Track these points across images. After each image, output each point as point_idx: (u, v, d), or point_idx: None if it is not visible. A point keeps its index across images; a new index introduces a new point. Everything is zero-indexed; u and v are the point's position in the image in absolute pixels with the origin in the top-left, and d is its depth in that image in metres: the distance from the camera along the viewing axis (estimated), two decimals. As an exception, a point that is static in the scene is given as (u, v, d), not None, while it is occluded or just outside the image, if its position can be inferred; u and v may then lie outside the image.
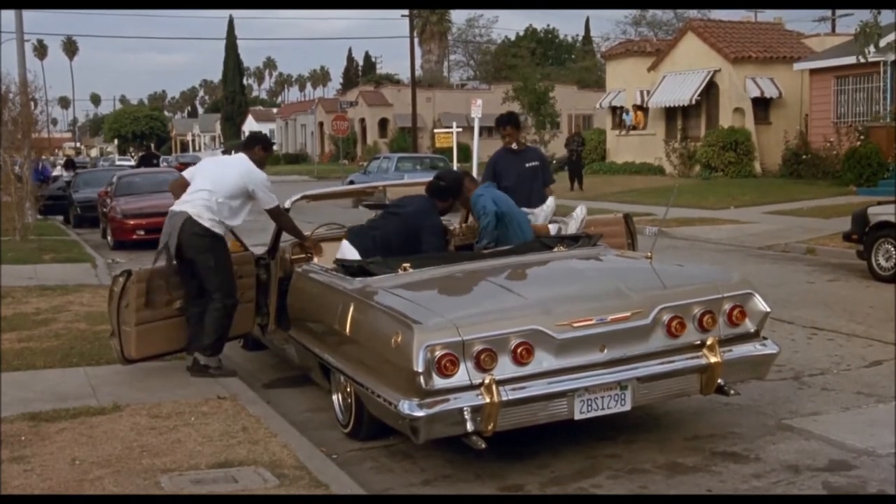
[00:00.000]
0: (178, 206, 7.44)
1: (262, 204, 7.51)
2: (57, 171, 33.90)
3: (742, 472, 5.33)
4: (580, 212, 7.95)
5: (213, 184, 7.45)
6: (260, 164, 7.70)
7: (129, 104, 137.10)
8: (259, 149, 7.77)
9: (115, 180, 20.44)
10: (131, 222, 17.93)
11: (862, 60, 16.82)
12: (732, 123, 30.17)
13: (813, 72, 27.65)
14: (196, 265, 7.36)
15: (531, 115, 35.80)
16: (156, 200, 18.83)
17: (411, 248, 6.83)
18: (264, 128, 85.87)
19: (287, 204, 7.71)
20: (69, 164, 37.90)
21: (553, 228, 7.69)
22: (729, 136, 29.53)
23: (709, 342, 5.52)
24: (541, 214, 7.84)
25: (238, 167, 7.59)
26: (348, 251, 6.89)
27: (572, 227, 7.71)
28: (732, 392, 5.74)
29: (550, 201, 8.11)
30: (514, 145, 8.60)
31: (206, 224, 7.30)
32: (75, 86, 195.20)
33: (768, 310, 5.81)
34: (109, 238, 18.70)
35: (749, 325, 5.74)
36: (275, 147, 77.77)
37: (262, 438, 5.79)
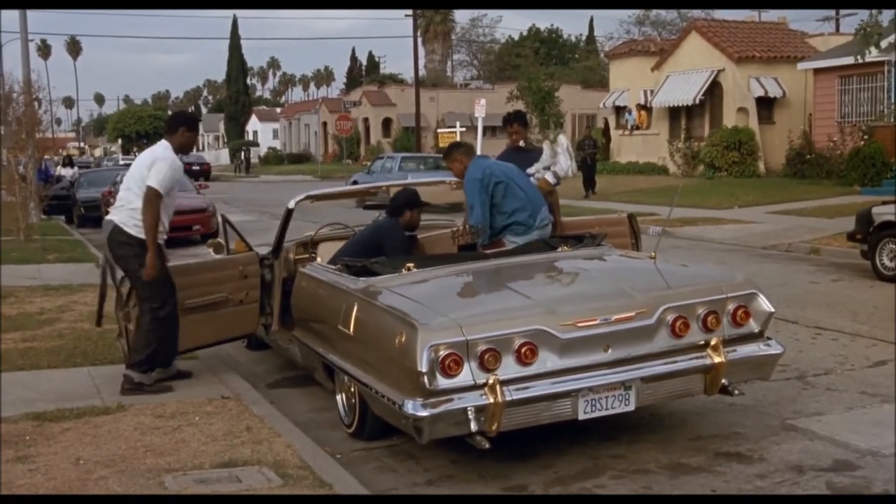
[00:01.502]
0: (111, 213, 7.17)
1: (147, 179, 6.89)
2: (59, 171, 33.90)
3: (746, 472, 5.33)
4: (563, 140, 7.88)
5: (130, 182, 7.10)
6: (187, 147, 7.26)
7: (133, 104, 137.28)
8: (184, 130, 7.21)
9: (119, 180, 20.42)
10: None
11: (860, 60, 16.80)
12: (736, 123, 30.14)
13: (817, 71, 27.62)
14: (127, 274, 7.13)
15: (536, 114, 35.75)
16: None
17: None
18: (268, 127, 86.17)
19: (291, 204, 7.70)
20: (67, 162, 37.90)
21: (550, 177, 7.69)
22: (733, 136, 29.49)
23: (713, 342, 5.51)
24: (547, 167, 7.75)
25: (143, 157, 7.15)
26: None
27: (563, 163, 7.67)
28: (736, 392, 5.74)
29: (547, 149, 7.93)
30: (521, 143, 8.50)
31: (132, 231, 6.94)
32: (79, 86, 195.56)
33: (772, 310, 5.81)
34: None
35: (753, 326, 5.73)
36: (279, 148, 78.15)
37: (266, 438, 5.79)
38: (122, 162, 46.53)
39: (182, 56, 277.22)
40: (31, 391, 7.01)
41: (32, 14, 39.99)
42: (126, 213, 7.00)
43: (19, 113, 20.11)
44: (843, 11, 46.00)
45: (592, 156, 28.51)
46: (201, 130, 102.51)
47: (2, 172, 19.64)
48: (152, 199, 6.84)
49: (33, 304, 10.67)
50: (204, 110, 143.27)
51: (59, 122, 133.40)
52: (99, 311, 7.42)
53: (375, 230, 7.39)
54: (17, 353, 8.15)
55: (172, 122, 7.35)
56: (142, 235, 6.90)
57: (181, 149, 7.19)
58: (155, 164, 6.94)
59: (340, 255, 7.13)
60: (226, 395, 6.79)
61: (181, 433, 5.93)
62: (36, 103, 21.11)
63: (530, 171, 7.72)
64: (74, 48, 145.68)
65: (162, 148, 7.15)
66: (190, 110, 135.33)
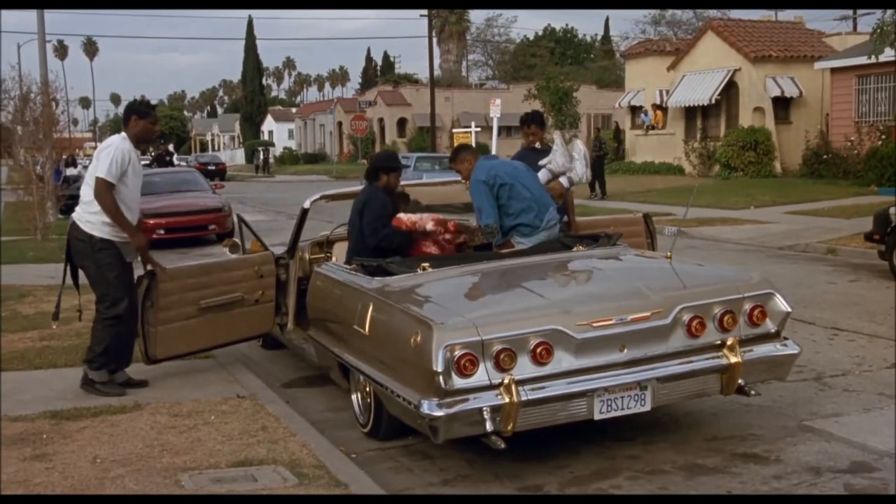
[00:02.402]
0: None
1: (96, 171, 6.83)
2: (65, 171, 33.98)
3: (762, 473, 5.30)
4: (579, 146, 7.86)
5: (87, 176, 6.99)
6: (144, 136, 7.13)
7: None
8: (135, 119, 7.04)
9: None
10: (151, 222, 17.94)
11: (876, 60, 16.70)
12: (752, 123, 30.03)
13: (834, 71, 27.47)
14: (84, 271, 7.09)
15: (553, 114, 35.71)
16: (176, 200, 18.99)
17: (356, 225, 7.16)
18: (283, 127, 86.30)
19: (306, 204, 7.72)
20: (70, 162, 37.95)
21: (564, 181, 7.68)
22: (749, 136, 29.39)
23: (729, 342, 5.49)
24: (558, 160, 7.69)
25: (97, 151, 7.03)
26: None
27: (579, 169, 7.67)
28: (753, 392, 5.70)
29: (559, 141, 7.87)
30: (536, 144, 8.48)
31: (84, 227, 6.88)
32: (95, 86, 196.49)
33: (789, 310, 5.78)
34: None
35: (770, 325, 5.71)
36: (294, 148, 78.29)
37: (282, 437, 5.80)
38: (138, 162, 46.70)
39: (198, 56, 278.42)
40: (49, 389, 7.05)
41: (49, 15, 40.21)
42: (81, 209, 6.95)
43: (37, 113, 20.23)
44: (860, 11, 45.77)
45: (599, 156, 27.90)
46: (216, 130, 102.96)
47: (17, 172, 19.74)
48: (102, 189, 6.74)
49: (50, 302, 10.65)
50: (220, 110, 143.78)
51: (75, 122, 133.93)
52: (56, 307, 7.32)
53: (361, 195, 7.40)
54: (35, 351, 8.19)
55: (124, 113, 7.26)
56: (94, 232, 6.85)
57: (138, 138, 7.08)
58: (101, 153, 6.88)
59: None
60: (241, 395, 6.81)
61: (197, 432, 5.95)
62: (53, 103, 21.20)
63: (542, 161, 7.71)
64: (91, 49, 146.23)
65: (115, 138, 7.10)
66: (206, 110, 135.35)
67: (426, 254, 7.09)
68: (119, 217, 6.80)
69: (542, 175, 7.60)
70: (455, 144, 36.48)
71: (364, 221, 7.10)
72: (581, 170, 7.70)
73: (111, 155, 6.80)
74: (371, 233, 7.04)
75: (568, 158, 7.67)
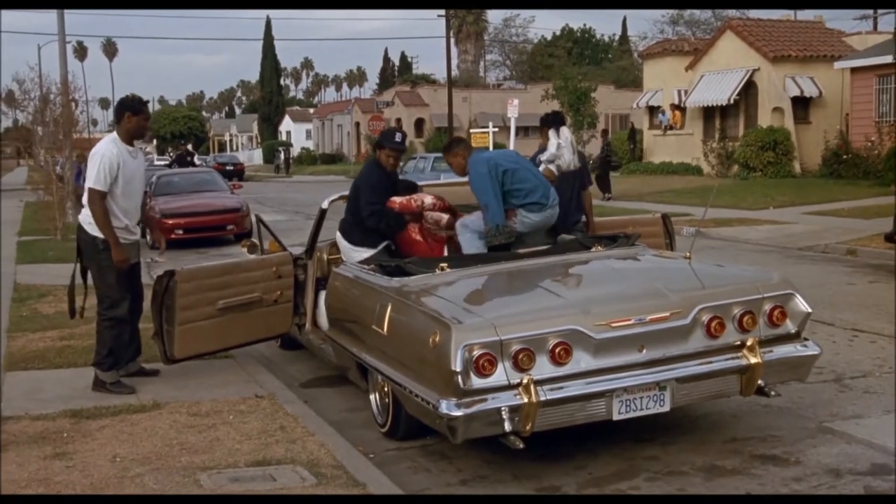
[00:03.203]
0: None
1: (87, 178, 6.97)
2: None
3: (782, 475, 5.27)
4: (566, 133, 7.92)
5: (87, 180, 7.11)
6: (137, 132, 7.19)
7: (168, 105, 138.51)
8: (128, 116, 7.11)
9: (155, 180, 20.61)
10: (170, 222, 18.08)
11: (895, 59, 16.59)
12: (771, 123, 29.88)
13: (854, 70, 27.31)
14: (90, 270, 7.21)
15: (571, 114, 35.64)
16: (194, 200, 19.06)
17: (353, 200, 7.30)
18: (301, 128, 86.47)
19: (325, 204, 7.73)
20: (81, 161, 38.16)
21: (553, 168, 7.74)
22: (768, 136, 29.25)
23: (749, 343, 5.46)
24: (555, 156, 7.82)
25: (88, 158, 7.18)
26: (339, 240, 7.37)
27: (567, 156, 7.75)
28: (773, 393, 5.67)
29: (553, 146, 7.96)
30: None
31: (87, 229, 7.02)
32: (115, 87, 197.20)
33: (810, 310, 5.74)
34: (148, 237, 18.82)
35: (790, 326, 5.67)
36: (312, 148, 78.44)
37: (300, 437, 5.81)
38: (157, 162, 46.90)
39: (216, 57, 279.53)
40: (69, 388, 7.10)
41: (69, 16, 40.42)
42: (84, 211, 7.08)
43: (57, 114, 20.35)
44: (880, 10, 45.49)
45: (602, 157, 27.59)
46: (235, 131, 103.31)
47: (37, 172, 19.88)
48: (94, 199, 6.91)
49: (70, 302, 10.77)
50: (238, 111, 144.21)
51: (95, 122, 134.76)
52: (70, 305, 7.41)
53: (359, 175, 7.56)
54: (55, 351, 8.24)
55: (117, 110, 7.26)
56: (95, 233, 6.97)
57: (131, 135, 7.15)
58: (90, 162, 7.01)
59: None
60: (260, 395, 6.82)
61: (216, 431, 5.97)
62: (73, 104, 21.34)
63: (541, 157, 7.75)
64: (110, 49, 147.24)
65: (102, 143, 7.16)
66: (224, 110, 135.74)
67: (413, 241, 7.11)
68: (106, 229, 6.92)
69: (553, 169, 7.66)
70: (473, 144, 36.52)
71: (361, 200, 7.16)
72: (568, 156, 7.76)
73: (97, 164, 6.91)
74: (368, 213, 7.08)
75: (555, 146, 7.73)
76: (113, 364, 7.11)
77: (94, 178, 6.91)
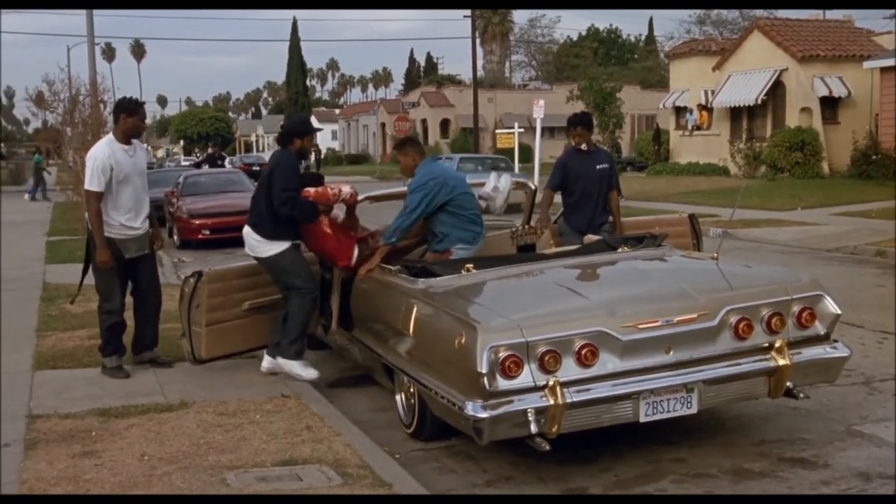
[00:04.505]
0: None
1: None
2: None
3: (811, 478, 5.23)
4: (504, 181, 7.86)
5: None
6: (133, 132, 7.45)
7: (195, 106, 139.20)
8: (123, 117, 7.41)
9: (182, 180, 20.74)
10: (197, 222, 18.17)
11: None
12: (799, 123, 29.68)
13: (884, 70, 27.02)
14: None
15: (596, 114, 35.58)
16: (221, 200, 19.12)
17: (264, 188, 7.07)
18: (327, 128, 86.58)
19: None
20: None
21: (482, 204, 7.68)
22: (796, 137, 29.05)
23: (777, 344, 5.42)
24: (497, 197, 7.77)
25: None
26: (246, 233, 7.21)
27: (498, 201, 7.72)
28: (801, 395, 5.61)
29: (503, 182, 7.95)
30: (583, 146, 8.42)
31: (89, 226, 7.43)
32: (143, 88, 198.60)
33: (839, 312, 5.68)
34: (176, 237, 18.98)
35: (819, 328, 5.62)
36: (338, 148, 78.60)
37: (326, 437, 5.82)
38: (183, 163, 47.20)
39: (242, 58, 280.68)
40: (97, 388, 7.15)
41: (98, 18, 40.67)
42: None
43: (85, 115, 20.50)
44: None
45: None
46: (261, 131, 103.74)
47: (66, 173, 20.04)
48: (89, 199, 7.33)
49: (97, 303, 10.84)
50: (264, 111, 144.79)
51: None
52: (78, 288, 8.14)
53: (269, 162, 7.44)
54: (84, 350, 8.30)
55: (113, 111, 7.63)
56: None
57: (127, 134, 7.42)
58: (86, 165, 7.44)
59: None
60: (286, 394, 6.84)
61: (242, 431, 6.00)
62: (101, 105, 21.48)
63: (478, 192, 7.65)
64: (138, 51, 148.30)
65: (96, 145, 7.55)
66: (250, 111, 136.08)
67: (323, 234, 7.09)
68: (95, 229, 7.30)
69: (482, 204, 7.65)
70: (498, 145, 36.54)
71: (275, 187, 6.97)
72: (499, 202, 7.76)
73: (90, 166, 7.28)
74: (282, 200, 6.91)
75: (492, 188, 7.74)
76: (113, 351, 7.55)
77: (87, 179, 7.31)
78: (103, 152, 7.29)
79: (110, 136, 7.49)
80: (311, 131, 7.48)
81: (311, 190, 7.12)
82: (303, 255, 7.23)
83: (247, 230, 7.21)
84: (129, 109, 7.43)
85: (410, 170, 7.23)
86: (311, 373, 7.06)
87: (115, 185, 7.29)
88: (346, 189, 7.20)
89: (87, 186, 7.34)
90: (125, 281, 7.60)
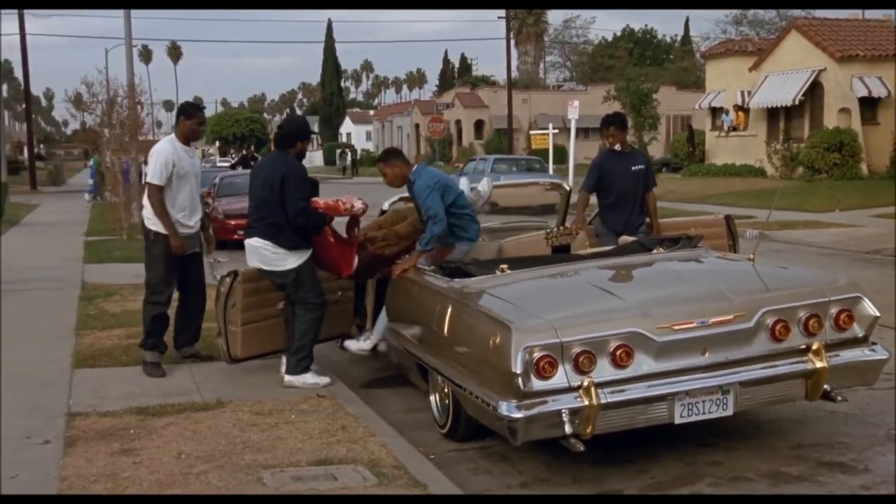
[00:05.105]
0: None
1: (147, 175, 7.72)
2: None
3: (850, 483, 5.18)
4: (485, 185, 7.94)
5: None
6: (191, 134, 7.80)
7: (230, 107, 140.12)
8: (183, 120, 7.78)
9: (218, 181, 20.86)
10: (232, 222, 18.25)
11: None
12: (838, 124, 29.37)
13: (924, 70, 26.74)
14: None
15: (632, 115, 35.41)
16: (256, 201, 19.21)
17: (277, 197, 6.82)
18: (361, 129, 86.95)
19: (385, 205, 7.77)
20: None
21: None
22: (834, 137, 28.75)
23: (814, 347, 5.37)
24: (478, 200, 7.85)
25: (148, 157, 7.86)
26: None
27: (479, 205, 7.74)
28: (839, 398, 5.56)
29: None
30: (617, 146, 8.37)
31: (148, 224, 7.69)
32: (179, 89, 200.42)
33: (878, 314, 5.62)
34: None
35: (857, 330, 5.56)
36: (372, 149, 78.90)
37: (361, 437, 5.85)
38: (219, 164, 47.48)
39: (278, 60, 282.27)
40: (135, 386, 7.22)
41: (136, 20, 41.06)
42: (146, 209, 7.72)
43: (123, 116, 20.69)
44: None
45: None
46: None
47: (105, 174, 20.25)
48: (151, 192, 7.59)
49: (136, 301, 10.91)
50: (299, 112, 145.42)
51: (159, 124, 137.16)
52: None
53: (271, 166, 7.11)
54: (122, 349, 8.39)
55: (177, 114, 7.96)
56: (154, 227, 7.60)
57: (185, 136, 7.77)
58: (149, 160, 7.69)
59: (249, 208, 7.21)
60: (321, 394, 6.88)
61: (278, 430, 6.03)
62: (138, 107, 21.68)
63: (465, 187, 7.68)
64: (175, 53, 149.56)
65: (160, 143, 7.92)
66: (285, 112, 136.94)
67: (326, 244, 7.05)
68: (163, 217, 7.54)
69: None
70: (533, 146, 36.49)
71: (288, 196, 6.78)
72: (478, 206, 7.78)
73: (154, 161, 7.58)
74: (297, 210, 6.78)
75: (475, 193, 7.84)
76: (154, 345, 7.68)
77: (151, 173, 7.59)
78: (166, 149, 7.62)
79: (172, 136, 7.88)
80: (312, 133, 7.56)
81: (321, 201, 7.07)
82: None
83: (259, 242, 6.94)
84: (188, 112, 7.81)
85: (401, 179, 7.08)
86: (323, 379, 7.10)
87: (175, 182, 7.59)
88: (359, 205, 7.11)
89: (149, 179, 7.60)
90: (176, 276, 7.76)
